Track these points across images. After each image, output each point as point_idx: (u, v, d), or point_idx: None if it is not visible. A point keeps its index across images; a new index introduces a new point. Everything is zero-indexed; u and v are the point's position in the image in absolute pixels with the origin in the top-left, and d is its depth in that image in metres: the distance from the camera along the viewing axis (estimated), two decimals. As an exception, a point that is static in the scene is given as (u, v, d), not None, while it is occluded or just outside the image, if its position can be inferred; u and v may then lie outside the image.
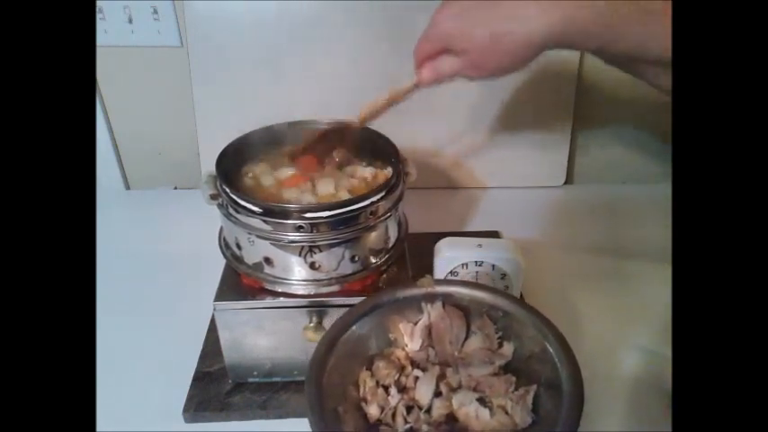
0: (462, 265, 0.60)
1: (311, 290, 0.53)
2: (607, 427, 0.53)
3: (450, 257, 0.61)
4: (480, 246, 0.61)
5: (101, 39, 0.82)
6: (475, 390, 0.46)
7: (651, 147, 0.92)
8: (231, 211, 0.52)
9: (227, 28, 0.80)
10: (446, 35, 0.46)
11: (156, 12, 0.80)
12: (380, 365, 0.47)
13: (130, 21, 0.81)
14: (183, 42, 0.83)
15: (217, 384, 0.57)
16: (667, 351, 0.59)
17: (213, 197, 0.53)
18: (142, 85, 0.87)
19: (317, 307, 0.53)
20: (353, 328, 0.47)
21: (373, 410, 0.45)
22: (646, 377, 0.58)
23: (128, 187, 0.97)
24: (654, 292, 0.68)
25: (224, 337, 0.55)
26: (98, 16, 0.80)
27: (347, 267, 0.53)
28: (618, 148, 0.92)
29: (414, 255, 0.60)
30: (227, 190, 0.52)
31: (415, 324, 0.50)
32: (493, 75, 0.46)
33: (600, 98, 0.88)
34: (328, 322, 0.51)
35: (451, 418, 0.45)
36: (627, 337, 0.63)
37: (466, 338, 0.50)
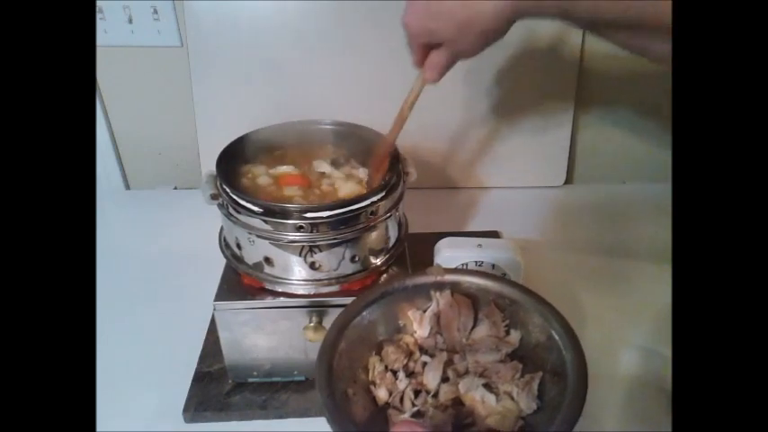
0: (462, 264, 0.61)
1: (311, 290, 0.53)
2: (607, 427, 0.53)
3: (450, 257, 0.61)
4: (480, 246, 0.61)
5: (101, 39, 0.82)
6: (481, 376, 0.46)
7: (651, 147, 0.92)
8: (231, 210, 0.52)
9: (227, 28, 0.80)
10: (420, 35, 0.48)
11: (156, 12, 0.80)
12: (389, 351, 0.48)
13: (130, 21, 0.81)
14: (183, 42, 0.83)
15: (217, 384, 0.57)
16: (667, 351, 0.60)
17: (213, 197, 0.53)
18: (142, 85, 0.87)
19: (317, 307, 0.53)
20: (364, 313, 0.48)
21: (382, 394, 0.46)
22: (645, 377, 0.58)
23: (128, 187, 0.97)
24: (654, 292, 0.68)
25: (224, 337, 0.55)
26: (98, 16, 0.80)
27: (347, 267, 0.53)
28: (618, 147, 0.93)
29: (414, 255, 0.60)
30: (228, 190, 0.52)
31: (424, 311, 0.50)
32: (480, 50, 0.47)
33: (600, 98, 0.88)
34: (328, 322, 0.51)
35: (458, 402, 0.45)
36: (627, 336, 0.63)
37: (473, 326, 0.50)
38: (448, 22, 0.45)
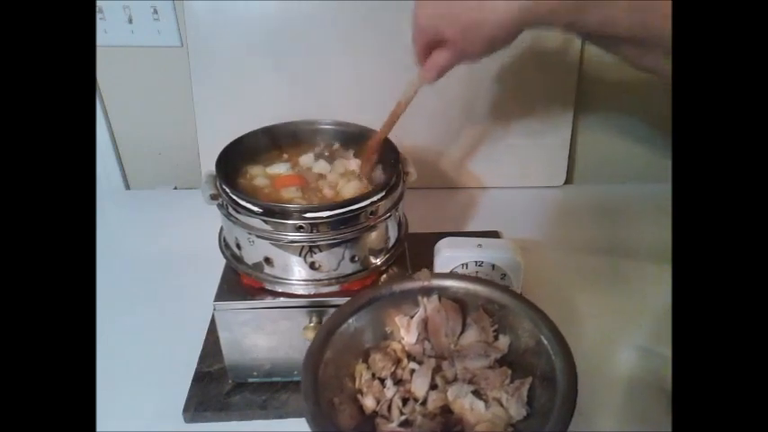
0: (462, 265, 0.60)
1: (311, 290, 0.53)
2: (607, 427, 0.53)
3: (450, 257, 0.61)
4: (480, 246, 0.61)
5: (101, 39, 0.82)
6: (470, 382, 0.46)
7: (651, 147, 0.92)
8: (231, 211, 0.52)
9: (227, 28, 0.80)
10: (427, 32, 0.48)
11: (156, 12, 0.80)
12: (377, 358, 0.47)
13: (130, 21, 0.81)
14: (183, 42, 0.83)
15: (217, 384, 0.57)
16: (667, 351, 0.60)
17: (213, 197, 0.53)
18: (142, 85, 0.87)
19: (316, 307, 0.53)
20: (350, 321, 0.47)
21: (369, 402, 0.45)
22: (645, 377, 0.58)
23: (128, 187, 0.97)
24: (654, 291, 0.68)
25: (224, 337, 0.55)
26: (98, 16, 0.80)
27: (347, 267, 0.53)
28: (618, 147, 0.92)
29: (414, 255, 0.60)
30: (227, 190, 0.52)
31: (412, 317, 0.50)
32: (484, 55, 0.48)
33: (600, 98, 0.88)
34: (328, 322, 0.51)
35: (447, 410, 0.45)
36: (626, 336, 0.63)
37: (462, 331, 0.50)
38: (455, 22, 0.45)
